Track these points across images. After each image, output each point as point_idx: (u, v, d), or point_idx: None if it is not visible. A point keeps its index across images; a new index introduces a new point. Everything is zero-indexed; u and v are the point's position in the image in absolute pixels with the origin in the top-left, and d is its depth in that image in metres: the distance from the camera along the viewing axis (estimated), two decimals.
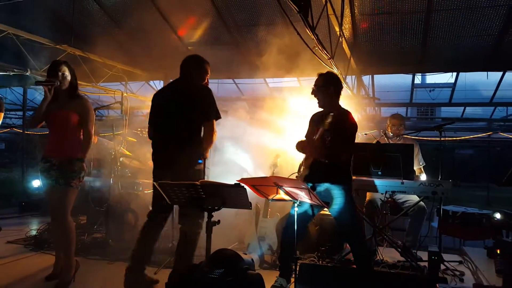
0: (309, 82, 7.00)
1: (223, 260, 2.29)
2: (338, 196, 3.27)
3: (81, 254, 4.25)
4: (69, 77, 3.46)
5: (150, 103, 3.57)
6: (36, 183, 7.31)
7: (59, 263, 3.52)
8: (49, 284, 3.43)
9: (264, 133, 5.68)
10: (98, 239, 4.72)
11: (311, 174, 3.35)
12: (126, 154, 5.34)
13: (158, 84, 8.47)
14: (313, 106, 5.79)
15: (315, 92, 3.42)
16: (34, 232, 5.13)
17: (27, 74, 5.42)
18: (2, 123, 4.41)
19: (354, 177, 3.51)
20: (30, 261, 4.17)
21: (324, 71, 3.49)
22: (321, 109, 3.51)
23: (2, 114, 4.49)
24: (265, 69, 5.97)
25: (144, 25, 5.88)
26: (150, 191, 4.94)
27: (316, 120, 3.51)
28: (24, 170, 8.47)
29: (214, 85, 8.17)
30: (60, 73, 3.41)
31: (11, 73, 5.35)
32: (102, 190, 5.25)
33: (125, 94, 6.64)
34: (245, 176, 5.32)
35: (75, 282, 3.47)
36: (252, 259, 2.54)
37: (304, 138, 3.55)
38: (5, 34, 5.02)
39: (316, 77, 3.44)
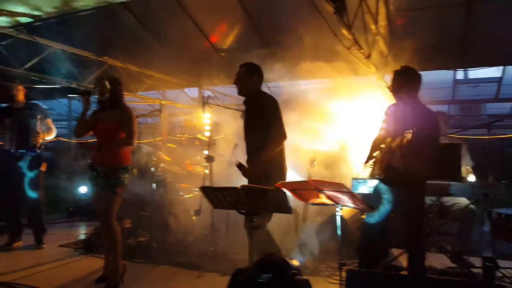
0: (343, 82, 6.92)
1: (270, 265, 2.29)
2: (406, 200, 3.16)
3: (127, 257, 4.39)
4: (108, 89, 3.59)
5: (186, 110, 3.67)
6: (83, 189, 7.65)
7: (108, 266, 3.67)
8: (99, 286, 3.58)
9: (299, 135, 5.66)
10: (143, 243, 4.87)
11: (387, 177, 3.24)
12: (166, 159, 5.48)
13: (194, 92, 8.66)
14: (350, 107, 5.73)
15: (396, 92, 3.23)
16: (83, 236, 5.38)
17: (72, 86, 5.71)
18: None
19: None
20: (81, 264, 4.37)
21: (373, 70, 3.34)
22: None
23: (53, 133, 4.88)
24: (298, 71, 5.95)
25: (178, 34, 6.02)
26: (190, 196, 5.07)
27: (389, 116, 3.34)
28: (71, 177, 8.85)
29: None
30: (98, 85, 3.60)
31: (59, 86, 5.66)
32: (145, 195, 5.41)
33: (162, 102, 6.85)
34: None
35: (123, 285, 3.61)
36: (298, 265, 2.53)
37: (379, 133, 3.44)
38: (52, 50, 5.33)
39: (395, 73, 3.25)
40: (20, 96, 4.93)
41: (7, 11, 4.29)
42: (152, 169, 5.16)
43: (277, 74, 5.84)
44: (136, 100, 7.33)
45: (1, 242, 4.96)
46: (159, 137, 5.62)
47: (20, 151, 4.82)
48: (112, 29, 5.44)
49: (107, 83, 3.60)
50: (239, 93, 3.55)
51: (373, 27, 3.95)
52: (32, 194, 4.88)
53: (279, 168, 3.44)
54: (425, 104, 3.25)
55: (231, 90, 7.66)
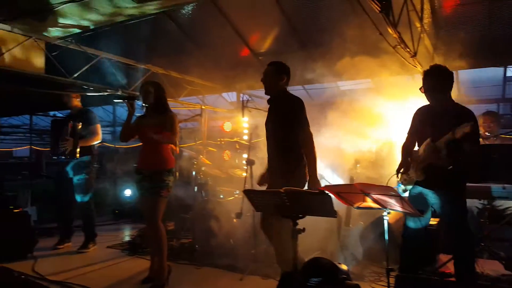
0: (386, 82, 6.74)
1: (320, 269, 2.26)
2: (447, 203, 3.06)
3: (171, 258, 4.47)
4: (152, 94, 3.69)
5: (225, 115, 3.71)
6: (128, 192, 7.91)
7: (154, 267, 3.76)
8: (145, 286, 3.67)
9: (341, 137, 5.56)
10: (186, 245, 4.95)
11: (428, 179, 3.13)
12: (206, 163, 5.57)
13: (232, 96, 8.74)
14: (390, 108, 5.57)
15: (431, 92, 3.13)
16: (128, 238, 5.55)
17: (118, 93, 5.94)
18: None
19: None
20: (127, 265, 4.51)
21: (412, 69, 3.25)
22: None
23: (95, 139, 5.07)
24: (337, 72, 5.85)
25: (217, 39, 6.11)
26: (231, 199, 5.11)
27: (424, 117, 3.25)
28: (116, 181, 9.19)
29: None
30: (142, 91, 3.71)
31: (105, 93, 5.90)
32: (187, 198, 5.52)
33: (203, 107, 6.97)
34: (323, 183, 5.24)
35: (168, 286, 3.69)
36: (347, 269, 2.48)
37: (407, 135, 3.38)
38: (99, 59, 5.57)
39: (427, 73, 3.16)
40: (74, 103, 5.17)
41: (61, 23, 4.54)
42: (194, 172, 5.25)
43: (317, 75, 5.79)
44: (177, 106, 7.50)
45: (52, 243, 5.21)
46: (199, 141, 5.71)
47: (62, 157, 5.00)
48: (154, 37, 5.60)
49: (151, 89, 3.70)
50: (266, 92, 3.51)
51: (418, 24, 3.82)
52: (79, 198, 5.06)
53: (304, 168, 3.41)
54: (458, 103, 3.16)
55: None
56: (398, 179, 3.37)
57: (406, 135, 3.44)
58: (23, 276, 3.86)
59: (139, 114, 3.87)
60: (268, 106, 3.56)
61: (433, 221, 3.72)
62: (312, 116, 5.87)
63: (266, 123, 3.55)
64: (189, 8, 5.36)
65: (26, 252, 4.69)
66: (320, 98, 7.87)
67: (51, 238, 5.43)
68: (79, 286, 3.69)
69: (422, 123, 3.22)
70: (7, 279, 3.71)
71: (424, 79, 3.14)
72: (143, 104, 3.74)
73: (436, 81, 3.07)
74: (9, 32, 4.69)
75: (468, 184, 3.37)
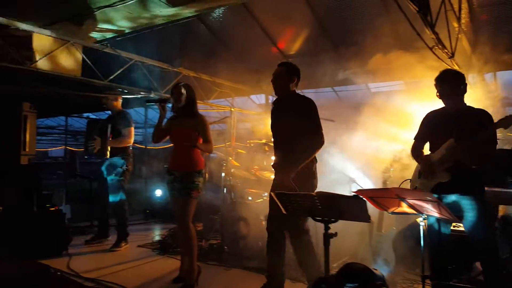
0: (416, 84, 6.57)
1: (355, 274, 2.22)
2: (472, 208, 2.96)
3: (200, 259, 4.51)
4: (183, 97, 3.73)
5: (253, 117, 3.70)
6: (158, 192, 8.04)
7: (184, 267, 3.80)
8: (175, 286, 3.72)
9: (371, 140, 5.46)
10: (214, 246, 4.98)
11: (443, 183, 3.06)
12: (235, 165, 5.58)
13: (260, 98, 8.75)
14: (423, 110, 5.41)
15: (448, 96, 3.13)
16: (158, 238, 5.64)
17: (151, 96, 6.06)
18: None
19: (486, 188, 3.15)
20: (158, 264, 4.57)
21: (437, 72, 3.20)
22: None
23: (125, 142, 5.16)
24: (369, 73, 5.76)
25: (247, 42, 6.14)
26: (260, 201, 5.10)
27: (439, 121, 3.21)
28: (147, 181, 9.36)
29: (312, 94, 8.14)
30: (175, 93, 3.75)
31: (139, 96, 6.04)
32: (216, 199, 5.55)
33: (232, 109, 7.02)
34: (354, 187, 5.15)
35: (198, 286, 3.72)
36: (382, 275, 2.42)
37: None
38: (133, 62, 5.71)
39: (442, 78, 3.14)
40: (113, 104, 5.28)
41: (98, 27, 4.69)
42: (222, 174, 5.28)
43: (348, 76, 5.72)
44: (207, 108, 7.59)
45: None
46: (228, 143, 5.73)
47: (93, 156, 5.16)
48: (186, 40, 5.69)
49: (183, 90, 3.75)
50: (276, 93, 3.47)
51: (455, 24, 3.70)
52: (111, 198, 5.19)
53: (314, 171, 3.40)
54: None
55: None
56: (413, 185, 3.28)
57: (414, 140, 3.40)
58: (59, 273, 4.00)
59: (170, 116, 3.92)
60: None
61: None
62: (342, 118, 5.83)
63: (275, 125, 3.48)
64: (220, 12, 5.40)
65: (61, 250, 4.83)
66: (350, 100, 7.76)
67: (84, 236, 5.58)
68: (112, 284, 3.77)
69: (437, 127, 3.19)
70: (44, 276, 3.85)
71: (438, 85, 3.14)
72: (174, 106, 3.79)
73: (453, 86, 3.08)
74: (48, 37, 4.87)
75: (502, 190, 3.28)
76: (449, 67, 3.80)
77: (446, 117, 3.15)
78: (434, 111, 3.30)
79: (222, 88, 7.22)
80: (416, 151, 3.36)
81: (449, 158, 3.02)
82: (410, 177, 3.56)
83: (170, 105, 3.84)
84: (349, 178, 5.15)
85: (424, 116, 3.36)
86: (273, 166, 3.54)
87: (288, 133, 3.31)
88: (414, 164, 4.25)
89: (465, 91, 3.12)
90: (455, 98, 3.09)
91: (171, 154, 3.90)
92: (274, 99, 3.59)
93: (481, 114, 3.05)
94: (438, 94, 3.14)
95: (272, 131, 3.56)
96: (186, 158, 3.74)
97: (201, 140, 3.74)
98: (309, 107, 3.29)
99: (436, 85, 3.15)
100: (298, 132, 3.23)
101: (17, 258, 4.18)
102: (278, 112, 3.46)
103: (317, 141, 3.25)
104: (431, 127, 3.26)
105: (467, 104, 3.16)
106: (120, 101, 5.34)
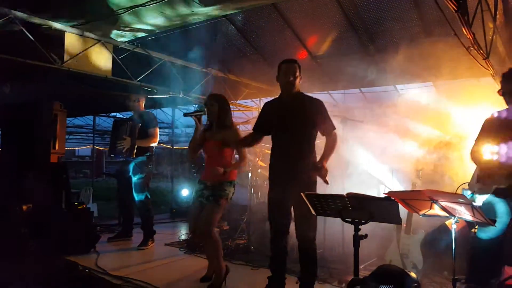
0: (447, 86, 6.42)
1: (390, 276, 2.19)
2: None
3: (226, 258, 4.54)
4: (215, 108, 3.73)
5: None
6: (184, 192, 8.15)
7: (212, 266, 3.82)
8: (203, 285, 3.75)
9: (400, 142, 5.38)
10: (241, 245, 5.00)
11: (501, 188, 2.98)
12: (262, 165, 5.60)
13: None
14: (453, 112, 5.29)
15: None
16: (184, 237, 5.70)
17: (180, 96, 6.15)
18: None
19: None
20: (185, 263, 4.63)
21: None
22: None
23: (151, 142, 5.24)
24: (397, 75, 5.66)
25: (276, 43, 6.13)
26: None
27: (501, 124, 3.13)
28: (173, 181, 9.50)
29: (340, 95, 8.07)
30: (208, 105, 3.76)
31: (168, 96, 6.14)
32: (242, 199, 5.58)
33: (259, 110, 7.02)
34: (382, 188, 5.09)
35: (226, 286, 3.74)
36: (417, 278, 2.39)
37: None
38: (162, 62, 5.81)
39: (508, 78, 3.03)
40: (137, 105, 5.42)
41: (128, 27, 4.79)
42: (249, 174, 5.31)
43: (377, 78, 5.65)
44: (233, 109, 7.64)
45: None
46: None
47: (119, 156, 5.24)
48: (214, 40, 5.76)
49: (214, 103, 3.75)
50: (286, 88, 3.40)
51: (491, 25, 3.61)
52: (136, 196, 5.27)
53: None
54: None
55: (325, 96, 7.59)
56: (471, 189, 3.21)
57: (476, 141, 3.28)
58: (87, 270, 4.09)
59: (204, 127, 3.92)
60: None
61: None
62: (370, 119, 5.76)
63: (282, 120, 3.39)
64: (249, 12, 5.43)
65: (89, 247, 4.91)
66: (378, 101, 7.66)
67: (112, 234, 5.69)
68: (140, 282, 3.80)
69: (501, 128, 3.06)
70: (74, 273, 3.95)
71: (504, 82, 3.01)
72: (208, 118, 3.82)
73: None
74: (80, 36, 4.99)
75: None
76: (486, 69, 3.71)
77: (508, 119, 3.04)
78: (497, 112, 3.19)
79: (250, 89, 7.25)
80: (476, 154, 3.27)
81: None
82: (439, 181, 3.49)
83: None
84: (377, 179, 5.09)
85: (485, 118, 3.25)
86: (277, 158, 3.48)
87: (302, 130, 3.34)
88: (443, 167, 4.17)
89: None
90: None
91: (205, 165, 3.90)
92: (279, 95, 3.55)
93: None
94: (501, 91, 3.01)
95: (277, 125, 3.44)
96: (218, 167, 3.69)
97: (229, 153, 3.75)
98: (323, 107, 3.39)
99: (502, 82, 3.03)
100: (313, 130, 3.36)
101: (46, 256, 4.26)
102: (290, 109, 3.38)
103: (336, 139, 3.37)
104: (495, 128, 3.14)
105: None
106: (143, 102, 5.47)
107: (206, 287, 3.65)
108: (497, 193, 2.99)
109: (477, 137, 3.29)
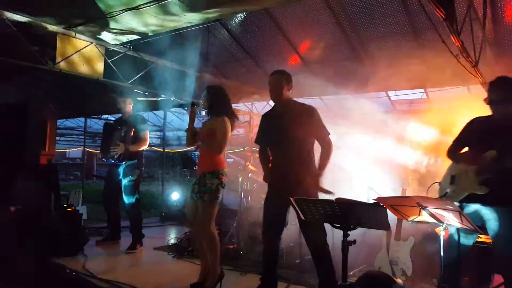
0: (439, 94, 6.48)
1: (376, 282, 2.19)
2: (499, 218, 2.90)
3: None
4: (206, 98, 3.76)
5: None
6: (175, 195, 8.10)
7: (204, 272, 3.73)
8: None
9: (390, 149, 5.41)
10: (230, 250, 4.97)
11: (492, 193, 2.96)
12: (252, 169, 5.59)
13: None
14: (443, 119, 5.34)
15: (497, 103, 3.01)
16: (173, 241, 5.67)
17: (171, 99, 6.15)
18: None
19: None
20: (174, 267, 4.60)
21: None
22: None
23: (143, 145, 5.24)
24: (388, 82, 5.70)
25: (268, 48, 6.16)
26: None
27: (484, 129, 3.12)
28: (163, 184, 9.44)
29: (331, 101, 8.10)
30: (202, 97, 3.80)
31: (159, 99, 6.13)
32: (233, 204, 5.56)
33: (251, 114, 7.04)
34: (372, 194, 5.10)
35: None
36: (403, 284, 2.39)
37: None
38: (154, 65, 5.79)
39: (494, 86, 3.05)
40: (127, 108, 5.40)
41: (122, 30, 4.78)
42: (240, 179, 5.30)
43: (368, 84, 5.68)
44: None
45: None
46: (246, 148, 5.77)
47: (111, 160, 5.22)
48: (207, 45, 5.76)
49: (206, 93, 3.78)
50: (275, 100, 3.54)
51: (480, 34, 3.66)
52: (126, 199, 5.24)
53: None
54: None
55: (317, 101, 7.61)
56: (442, 190, 3.21)
57: (453, 143, 3.30)
58: (74, 273, 4.04)
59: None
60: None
61: (486, 239, 3.52)
62: (360, 125, 5.78)
63: (278, 131, 3.45)
64: (242, 17, 5.46)
65: (77, 250, 4.88)
66: (368, 108, 7.69)
67: (101, 237, 5.64)
68: (126, 285, 3.77)
69: (481, 134, 3.09)
70: (60, 275, 3.90)
71: (490, 90, 3.02)
72: (204, 109, 3.86)
73: (505, 93, 2.95)
74: (72, 38, 4.96)
75: None
76: (474, 76, 3.75)
77: (493, 125, 3.04)
78: (480, 117, 3.20)
79: (242, 93, 7.25)
80: (453, 153, 3.28)
81: (487, 170, 2.93)
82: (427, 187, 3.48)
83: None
84: (368, 186, 5.11)
85: (468, 121, 3.25)
86: (275, 168, 3.55)
87: (297, 139, 3.35)
88: (433, 173, 4.18)
89: None
90: (504, 106, 2.96)
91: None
92: (272, 106, 3.66)
93: None
94: (487, 99, 3.02)
95: (272, 136, 3.54)
96: (202, 159, 3.77)
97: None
98: (316, 113, 3.42)
99: (489, 90, 3.04)
100: (308, 137, 3.38)
101: (34, 257, 4.21)
102: (282, 119, 3.45)
103: (331, 145, 3.40)
104: (478, 133, 3.15)
105: None
106: (132, 103, 5.45)
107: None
108: (470, 198, 2.99)
109: (457, 138, 3.30)
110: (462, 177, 3.07)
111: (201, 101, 3.79)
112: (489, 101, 3.00)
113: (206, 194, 3.58)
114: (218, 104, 3.76)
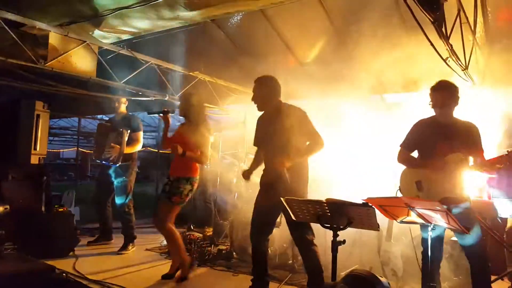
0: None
1: (361, 281, 2.21)
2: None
3: (208, 264, 4.54)
4: (181, 107, 4.05)
5: None
6: None
7: (175, 264, 4.02)
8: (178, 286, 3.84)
9: (384, 150, 5.42)
10: (223, 251, 4.98)
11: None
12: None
13: None
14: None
15: (441, 106, 3.19)
16: (165, 242, 5.64)
17: (165, 99, 6.14)
18: None
19: None
20: (165, 268, 4.51)
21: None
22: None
23: (137, 146, 5.30)
24: (382, 84, 5.73)
25: (263, 48, 6.15)
26: None
27: (430, 131, 3.26)
28: (158, 185, 9.41)
29: (323, 102, 8.12)
30: (180, 104, 4.09)
31: (153, 99, 6.11)
32: (227, 204, 5.57)
33: (246, 115, 7.01)
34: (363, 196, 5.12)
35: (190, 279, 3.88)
36: (388, 283, 2.41)
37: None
38: (149, 65, 5.77)
39: (437, 90, 3.21)
40: (121, 108, 5.40)
41: (114, 28, 4.77)
42: (234, 180, 5.30)
43: (362, 87, 5.70)
44: (221, 113, 7.64)
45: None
46: (242, 149, 5.78)
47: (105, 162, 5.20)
48: (202, 45, 5.76)
49: (180, 102, 4.06)
50: (263, 108, 3.68)
51: (470, 37, 3.70)
52: (119, 200, 5.24)
53: (307, 175, 3.55)
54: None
55: (312, 103, 7.62)
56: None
57: (401, 148, 3.40)
58: (64, 274, 4.01)
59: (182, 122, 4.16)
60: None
61: None
62: (353, 128, 5.79)
63: (269, 135, 3.55)
64: (238, 18, 5.47)
65: (68, 251, 4.86)
66: (363, 110, 7.72)
67: (92, 238, 5.62)
68: (117, 286, 3.77)
69: (429, 136, 3.23)
70: (50, 276, 3.87)
71: (434, 94, 3.19)
72: (179, 115, 4.14)
73: (448, 96, 3.15)
74: (65, 36, 4.92)
75: None
76: (464, 79, 3.80)
77: (439, 127, 3.19)
78: (424, 119, 3.34)
79: (238, 94, 7.26)
80: (407, 157, 3.37)
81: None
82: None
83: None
84: (362, 187, 5.12)
85: (413, 124, 3.39)
86: (265, 170, 3.66)
87: (288, 142, 3.39)
88: None
89: (457, 103, 3.20)
90: (448, 109, 3.16)
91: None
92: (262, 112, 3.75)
93: (471, 127, 3.16)
94: (431, 103, 3.19)
95: (262, 139, 3.68)
96: (177, 164, 3.95)
97: (197, 151, 3.85)
98: (305, 116, 3.49)
99: (431, 95, 3.21)
100: (299, 140, 3.42)
101: (23, 258, 4.17)
102: (272, 123, 3.55)
103: (320, 143, 3.44)
104: (421, 136, 3.29)
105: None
106: (125, 103, 5.48)
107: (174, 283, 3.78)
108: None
109: (404, 142, 3.39)
110: (431, 182, 3.12)
111: (176, 109, 3.95)
112: (433, 105, 3.18)
113: (175, 196, 3.83)
114: (190, 112, 3.96)
